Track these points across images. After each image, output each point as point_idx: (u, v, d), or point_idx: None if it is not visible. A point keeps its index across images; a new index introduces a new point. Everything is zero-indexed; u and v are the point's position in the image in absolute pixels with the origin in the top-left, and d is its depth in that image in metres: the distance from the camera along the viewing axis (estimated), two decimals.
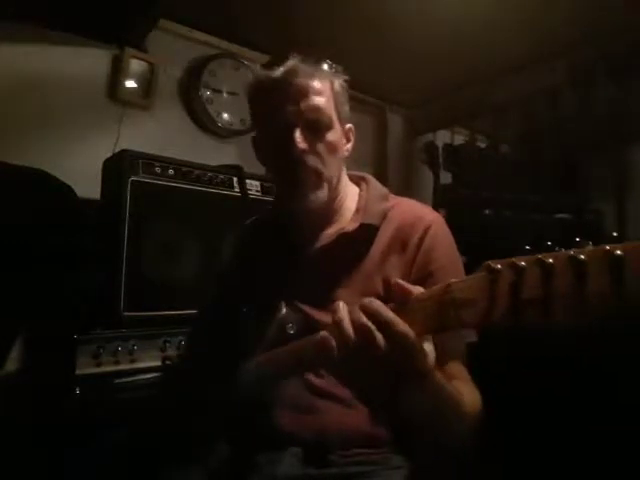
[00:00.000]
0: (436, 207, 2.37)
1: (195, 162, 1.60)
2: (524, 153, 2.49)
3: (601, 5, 1.81)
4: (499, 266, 0.45)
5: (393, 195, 0.95)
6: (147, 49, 1.99)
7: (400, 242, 0.85)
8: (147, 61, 1.98)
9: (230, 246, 1.06)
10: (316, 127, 0.84)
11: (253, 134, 0.96)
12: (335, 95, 0.88)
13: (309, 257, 0.89)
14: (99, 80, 1.92)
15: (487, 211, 2.15)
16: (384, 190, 0.95)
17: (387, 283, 0.82)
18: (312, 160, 0.84)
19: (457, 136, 2.86)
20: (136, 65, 1.96)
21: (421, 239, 0.84)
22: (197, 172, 1.57)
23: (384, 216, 0.88)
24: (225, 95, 2.19)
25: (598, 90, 2.15)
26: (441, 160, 2.64)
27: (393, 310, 0.54)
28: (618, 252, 0.39)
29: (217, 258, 1.51)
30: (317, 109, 0.84)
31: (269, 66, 0.85)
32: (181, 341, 1.39)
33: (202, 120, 2.16)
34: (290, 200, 0.88)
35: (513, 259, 0.44)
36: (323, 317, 0.82)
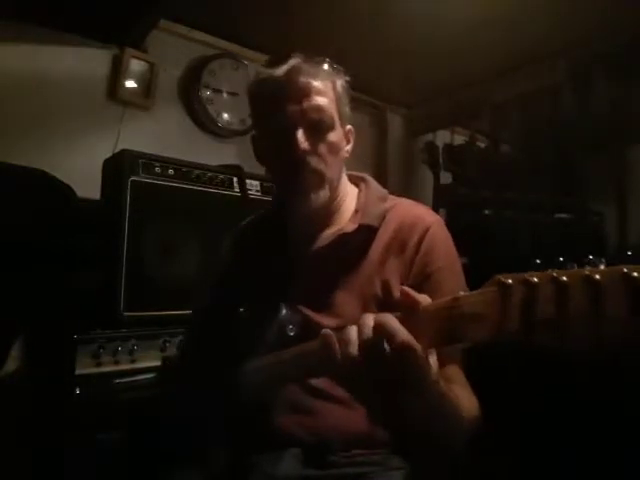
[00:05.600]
0: (436, 207, 2.37)
1: (195, 162, 1.59)
2: (524, 153, 2.49)
3: (601, 5, 1.81)
4: (510, 281, 0.44)
5: (392, 196, 0.94)
6: (147, 49, 1.99)
7: (399, 243, 0.85)
8: (147, 61, 1.98)
9: (227, 246, 1.05)
10: (318, 127, 0.84)
11: (253, 133, 0.95)
12: (337, 95, 0.87)
13: (308, 258, 0.89)
14: (99, 80, 1.92)
15: (487, 211, 2.15)
16: (383, 191, 0.94)
17: (386, 285, 0.82)
18: (314, 161, 0.83)
19: (457, 136, 2.86)
20: (136, 65, 1.96)
21: (420, 241, 0.83)
22: (197, 172, 1.57)
23: (383, 217, 0.88)
24: (225, 95, 2.19)
25: (598, 90, 2.15)
26: (441, 160, 2.64)
27: (399, 319, 0.53)
28: (635, 274, 0.36)
29: (217, 258, 1.51)
30: (320, 109, 0.83)
31: (271, 64, 0.84)
32: (181, 341, 1.39)
33: (202, 120, 2.16)
34: (291, 201, 0.89)
35: (525, 275, 0.43)
36: (322, 319, 0.82)
